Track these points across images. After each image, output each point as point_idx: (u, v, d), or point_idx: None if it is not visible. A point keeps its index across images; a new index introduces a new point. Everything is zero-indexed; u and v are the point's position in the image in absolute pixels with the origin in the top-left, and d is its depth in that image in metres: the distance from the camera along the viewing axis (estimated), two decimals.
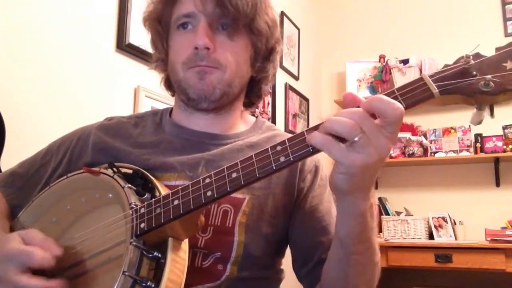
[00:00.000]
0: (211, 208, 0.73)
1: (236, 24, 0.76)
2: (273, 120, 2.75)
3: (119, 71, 1.66)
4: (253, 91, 0.87)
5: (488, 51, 0.57)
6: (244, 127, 0.88)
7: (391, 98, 0.53)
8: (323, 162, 0.85)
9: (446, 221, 2.92)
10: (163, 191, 0.67)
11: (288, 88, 2.98)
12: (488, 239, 2.69)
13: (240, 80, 0.80)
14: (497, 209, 2.94)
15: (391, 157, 3.13)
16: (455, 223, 2.96)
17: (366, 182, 0.56)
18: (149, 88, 1.72)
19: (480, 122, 0.59)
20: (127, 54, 1.69)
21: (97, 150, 0.82)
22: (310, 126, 0.57)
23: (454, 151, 3.07)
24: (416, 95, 0.54)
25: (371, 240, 0.64)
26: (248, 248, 0.73)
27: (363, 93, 3.24)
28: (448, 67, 0.56)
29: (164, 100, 1.73)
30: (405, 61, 3.18)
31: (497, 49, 0.56)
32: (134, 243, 0.59)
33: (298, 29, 3.18)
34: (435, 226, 2.92)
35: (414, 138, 3.14)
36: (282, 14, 2.94)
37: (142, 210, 0.62)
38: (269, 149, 0.57)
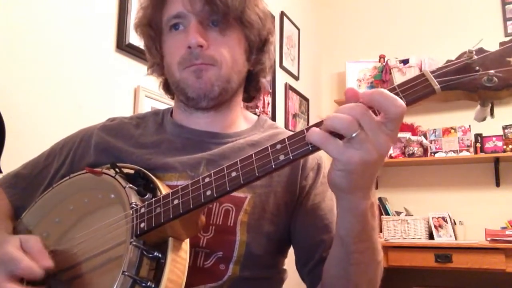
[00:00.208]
0: (213, 208, 0.73)
1: (226, 19, 0.76)
2: (273, 120, 2.74)
3: (119, 71, 1.66)
4: (251, 85, 0.87)
5: None
6: (246, 125, 0.87)
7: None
8: (325, 160, 0.85)
9: (446, 221, 2.92)
10: (164, 191, 0.67)
11: (288, 88, 2.98)
12: (488, 239, 2.69)
13: (237, 74, 0.79)
14: (497, 209, 2.94)
15: (391, 157, 3.13)
16: (455, 223, 2.96)
17: (366, 180, 0.55)
18: (149, 88, 1.72)
19: (484, 119, 0.58)
20: (127, 54, 1.69)
21: (99, 150, 0.82)
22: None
23: (454, 151, 3.07)
24: (417, 91, 0.53)
25: (372, 239, 0.63)
26: (250, 247, 0.73)
27: None
28: (451, 63, 0.55)
29: (164, 100, 1.73)
30: (405, 61, 3.18)
31: (501, 43, 0.55)
32: (134, 243, 0.59)
33: (298, 29, 3.18)
34: (435, 226, 2.92)
35: (414, 138, 3.14)
36: (282, 14, 2.94)
37: (142, 210, 0.62)
38: (269, 147, 0.56)
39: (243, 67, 0.81)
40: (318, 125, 0.54)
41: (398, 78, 3.15)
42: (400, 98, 0.52)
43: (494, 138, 2.97)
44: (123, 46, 1.66)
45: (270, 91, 2.71)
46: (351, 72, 3.37)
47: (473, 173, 3.11)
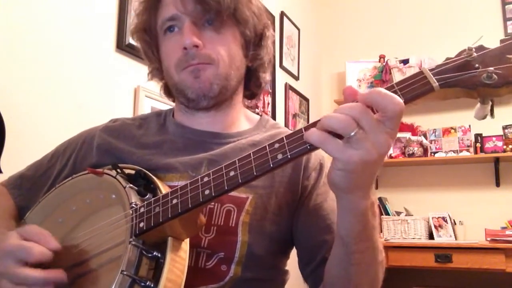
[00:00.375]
0: (214, 208, 0.73)
1: (220, 17, 0.76)
2: (273, 120, 2.75)
3: (119, 71, 1.66)
4: (251, 81, 0.87)
5: None
6: (247, 125, 0.87)
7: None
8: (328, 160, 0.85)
9: (446, 221, 2.92)
10: (164, 191, 0.67)
11: (288, 88, 2.98)
12: (488, 239, 2.69)
13: (235, 71, 0.79)
14: (497, 209, 2.93)
15: (391, 157, 3.13)
16: (455, 223, 2.96)
17: (366, 180, 0.55)
18: (149, 88, 1.72)
19: (484, 117, 0.57)
20: (127, 54, 1.69)
21: (101, 151, 0.82)
22: None
23: (454, 151, 3.07)
24: (416, 89, 0.53)
25: (373, 238, 0.62)
26: (252, 248, 0.72)
27: None
28: (450, 60, 0.55)
29: (164, 100, 1.72)
30: (405, 61, 3.18)
31: (501, 40, 0.54)
32: (133, 243, 0.59)
33: (298, 29, 3.18)
34: (435, 226, 2.92)
35: (414, 138, 3.14)
36: (282, 14, 2.94)
37: (142, 210, 0.62)
38: (267, 146, 0.56)
39: (241, 64, 0.81)
40: (315, 124, 0.54)
41: (398, 78, 3.14)
42: (399, 96, 0.52)
43: (494, 138, 2.97)
44: (123, 46, 1.66)
45: (270, 91, 2.71)
46: (351, 72, 3.37)
47: (473, 173, 3.11)
